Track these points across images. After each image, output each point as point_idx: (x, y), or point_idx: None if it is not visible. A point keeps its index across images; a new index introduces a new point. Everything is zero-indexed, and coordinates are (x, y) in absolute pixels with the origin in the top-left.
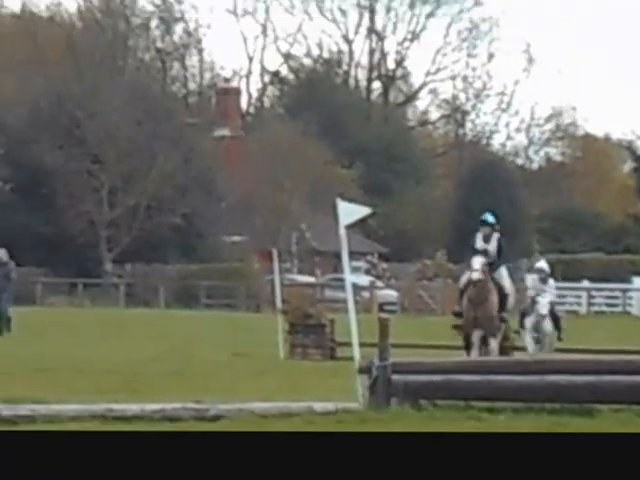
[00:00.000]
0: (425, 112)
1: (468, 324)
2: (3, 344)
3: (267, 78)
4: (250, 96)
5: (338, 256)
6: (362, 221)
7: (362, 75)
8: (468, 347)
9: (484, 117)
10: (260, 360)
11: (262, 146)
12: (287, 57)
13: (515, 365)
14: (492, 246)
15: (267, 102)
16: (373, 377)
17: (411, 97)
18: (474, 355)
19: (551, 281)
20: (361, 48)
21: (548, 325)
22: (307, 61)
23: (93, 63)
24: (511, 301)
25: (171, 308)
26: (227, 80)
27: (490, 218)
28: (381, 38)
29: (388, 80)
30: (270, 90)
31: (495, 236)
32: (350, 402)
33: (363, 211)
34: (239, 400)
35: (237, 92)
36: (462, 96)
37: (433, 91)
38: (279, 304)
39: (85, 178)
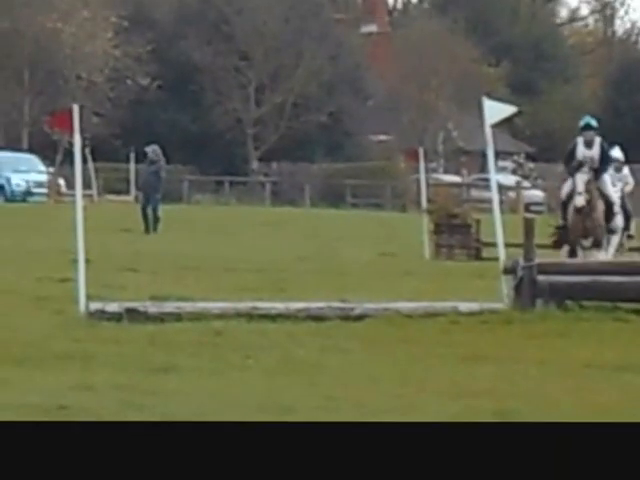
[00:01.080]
0: (574, 9)
1: (576, 235)
2: (150, 242)
3: None
4: None
5: (484, 156)
6: (509, 120)
7: None
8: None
9: (634, 14)
10: (405, 260)
11: (409, 43)
12: None
13: None
14: (595, 151)
15: None
16: (518, 278)
17: None
18: None
19: (625, 170)
20: None
21: (616, 219)
22: None
23: None
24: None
25: (316, 207)
26: None
27: (593, 122)
28: None
29: None
30: None
31: (597, 140)
32: (495, 303)
33: (509, 110)
34: (384, 299)
35: None
36: None
37: None
38: (425, 204)
39: (232, 75)
